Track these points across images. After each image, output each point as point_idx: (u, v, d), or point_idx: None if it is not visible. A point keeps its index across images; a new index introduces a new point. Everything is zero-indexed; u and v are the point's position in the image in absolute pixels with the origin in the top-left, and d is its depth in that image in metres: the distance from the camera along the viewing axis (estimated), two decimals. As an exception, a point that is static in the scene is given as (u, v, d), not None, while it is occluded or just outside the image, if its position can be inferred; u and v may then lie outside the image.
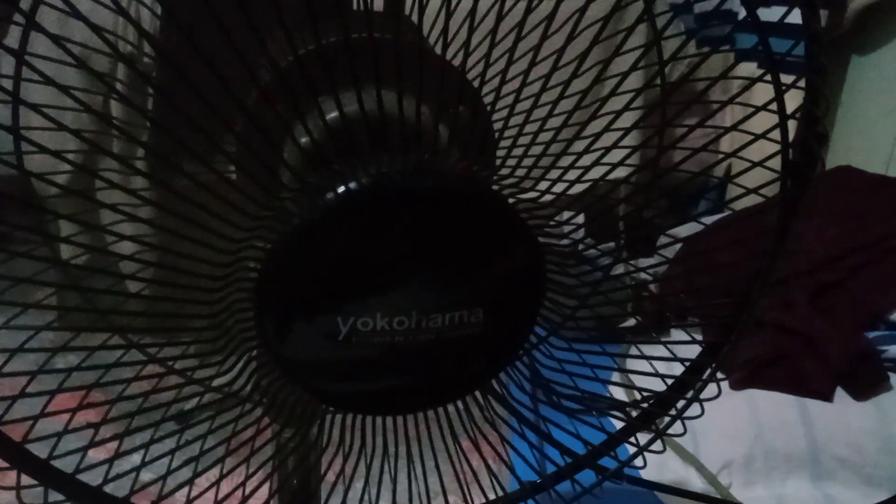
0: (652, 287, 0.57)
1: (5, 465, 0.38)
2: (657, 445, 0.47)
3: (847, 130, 1.53)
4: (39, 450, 0.39)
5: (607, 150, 0.40)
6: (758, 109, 0.41)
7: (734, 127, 0.42)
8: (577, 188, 0.41)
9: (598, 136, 0.40)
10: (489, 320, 0.37)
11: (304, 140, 0.35)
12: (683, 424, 0.46)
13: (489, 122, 0.39)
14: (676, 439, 0.95)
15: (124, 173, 0.39)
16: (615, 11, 0.37)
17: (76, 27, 0.38)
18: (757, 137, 0.42)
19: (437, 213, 0.35)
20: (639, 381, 0.50)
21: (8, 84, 0.38)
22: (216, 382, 0.40)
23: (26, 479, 0.39)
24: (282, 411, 0.41)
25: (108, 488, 0.41)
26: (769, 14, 0.41)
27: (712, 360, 0.45)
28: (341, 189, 0.33)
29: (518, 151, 0.39)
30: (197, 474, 0.42)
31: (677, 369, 0.49)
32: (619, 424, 0.50)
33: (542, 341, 0.44)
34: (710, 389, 0.46)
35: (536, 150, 0.40)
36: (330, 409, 0.41)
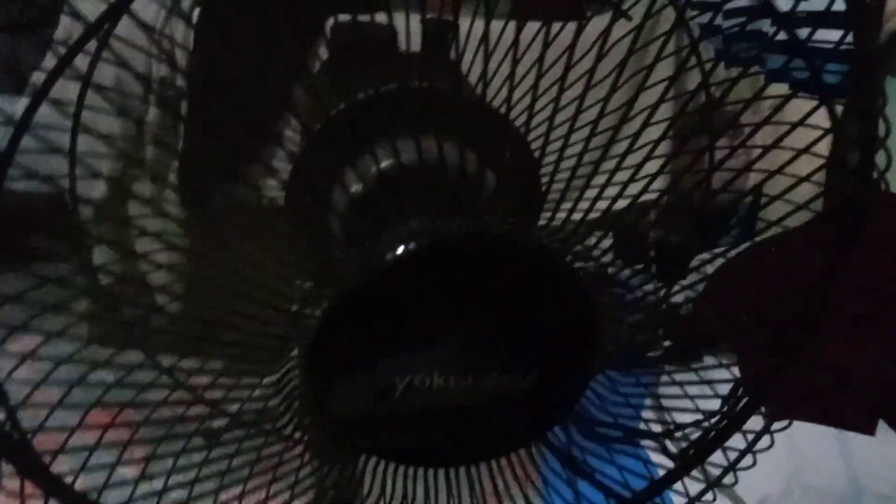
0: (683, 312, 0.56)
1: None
2: (708, 495, 0.46)
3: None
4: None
5: (652, 177, 0.40)
6: (820, 137, 0.39)
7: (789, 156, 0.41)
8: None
9: (638, 166, 0.39)
10: (544, 377, 0.37)
11: (354, 188, 0.35)
12: (735, 475, 0.45)
13: (537, 170, 0.39)
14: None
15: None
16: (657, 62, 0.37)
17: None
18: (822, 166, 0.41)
19: (491, 272, 0.36)
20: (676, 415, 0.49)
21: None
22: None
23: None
24: (325, 454, 0.40)
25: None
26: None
27: (762, 401, 0.44)
28: (400, 250, 0.33)
29: (566, 204, 0.39)
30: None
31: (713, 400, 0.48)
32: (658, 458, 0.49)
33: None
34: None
35: (583, 200, 0.39)
36: (376, 460, 0.41)
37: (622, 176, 0.40)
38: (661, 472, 0.48)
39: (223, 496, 0.42)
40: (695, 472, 0.48)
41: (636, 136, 0.37)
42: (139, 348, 0.43)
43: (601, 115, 0.36)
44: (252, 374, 0.39)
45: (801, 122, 0.39)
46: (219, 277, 0.34)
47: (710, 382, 0.49)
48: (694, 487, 0.48)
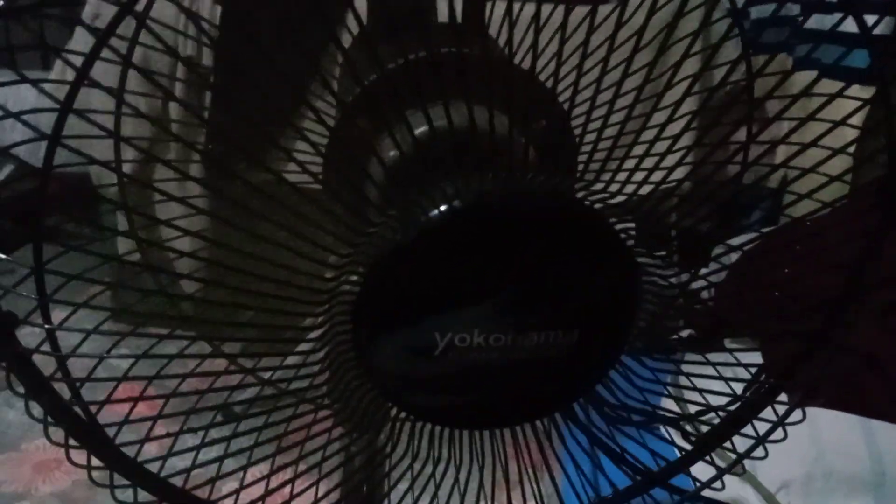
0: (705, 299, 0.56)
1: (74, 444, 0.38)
2: (738, 468, 0.46)
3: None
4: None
5: (689, 148, 0.40)
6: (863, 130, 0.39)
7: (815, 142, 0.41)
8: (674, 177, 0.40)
9: (676, 137, 0.39)
10: (585, 336, 0.37)
11: (391, 154, 0.35)
12: (765, 448, 0.45)
13: (569, 129, 0.39)
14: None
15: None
16: (702, 28, 0.36)
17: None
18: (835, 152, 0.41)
19: (533, 230, 0.35)
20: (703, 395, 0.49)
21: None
22: (294, 385, 0.40)
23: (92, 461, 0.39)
24: (353, 417, 0.41)
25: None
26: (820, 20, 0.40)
27: (792, 381, 0.44)
28: (442, 208, 0.33)
29: (599, 156, 0.38)
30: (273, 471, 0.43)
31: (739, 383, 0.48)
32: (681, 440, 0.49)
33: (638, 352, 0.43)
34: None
35: (617, 154, 0.39)
36: (407, 419, 0.42)
37: (660, 147, 0.40)
38: (682, 453, 0.48)
39: (251, 472, 0.43)
40: (711, 458, 0.48)
41: (677, 104, 0.37)
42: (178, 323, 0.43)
43: (646, 80, 0.36)
44: (288, 341, 0.40)
45: (836, 96, 0.39)
46: (254, 246, 0.34)
47: (735, 365, 0.49)
48: (709, 471, 0.48)
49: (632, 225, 0.39)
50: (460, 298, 0.35)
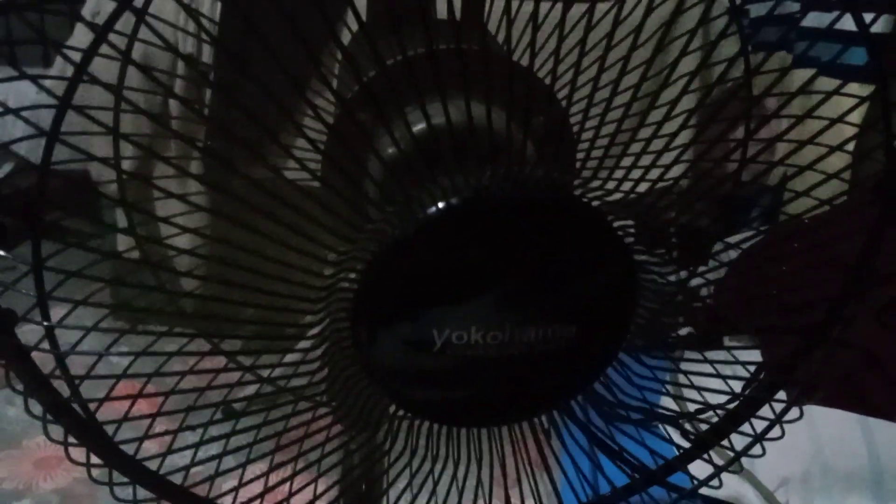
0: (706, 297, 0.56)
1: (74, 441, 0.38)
2: (735, 465, 0.46)
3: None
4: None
5: (687, 145, 0.40)
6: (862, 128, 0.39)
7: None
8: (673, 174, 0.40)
9: (674, 135, 0.39)
10: (581, 333, 0.37)
11: (390, 151, 0.35)
12: (762, 446, 0.45)
13: (567, 125, 0.39)
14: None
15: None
16: (700, 24, 0.36)
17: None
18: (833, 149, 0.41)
19: (532, 226, 0.35)
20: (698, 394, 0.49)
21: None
22: (293, 383, 0.40)
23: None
24: (352, 415, 0.41)
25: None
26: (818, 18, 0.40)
27: (792, 378, 0.44)
28: (441, 204, 0.33)
29: (597, 153, 0.38)
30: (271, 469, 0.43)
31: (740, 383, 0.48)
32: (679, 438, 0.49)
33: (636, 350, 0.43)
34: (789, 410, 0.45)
35: (615, 151, 0.39)
36: (405, 416, 0.42)
37: (657, 144, 0.40)
38: (681, 451, 0.48)
39: (251, 469, 0.43)
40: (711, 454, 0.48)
41: (674, 102, 0.37)
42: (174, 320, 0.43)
43: (643, 77, 0.36)
44: (285, 339, 0.40)
45: (834, 93, 0.39)
46: (253, 241, 0.34)
47: (733, 363, 0.49)
48: (709, 468, 0.48)
49: (630, 221, 0.39)
50: (458, 295, 0.35)
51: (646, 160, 0.40)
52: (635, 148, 0.40)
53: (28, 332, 0.36)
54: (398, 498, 0.46)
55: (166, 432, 0.41)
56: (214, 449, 0.43)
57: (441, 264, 0.35)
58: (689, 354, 0.50)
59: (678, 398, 0.52)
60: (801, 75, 0.44)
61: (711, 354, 0.49)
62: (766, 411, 0.47)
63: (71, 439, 0.38)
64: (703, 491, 0.62)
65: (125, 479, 0.40)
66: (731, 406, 0.47)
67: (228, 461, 0.43)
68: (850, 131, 0.43)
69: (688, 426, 0.50)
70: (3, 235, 0.34)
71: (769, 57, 0.41)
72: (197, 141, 0.48)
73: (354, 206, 0.35)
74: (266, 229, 0.33)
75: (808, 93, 0.41)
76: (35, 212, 0.32)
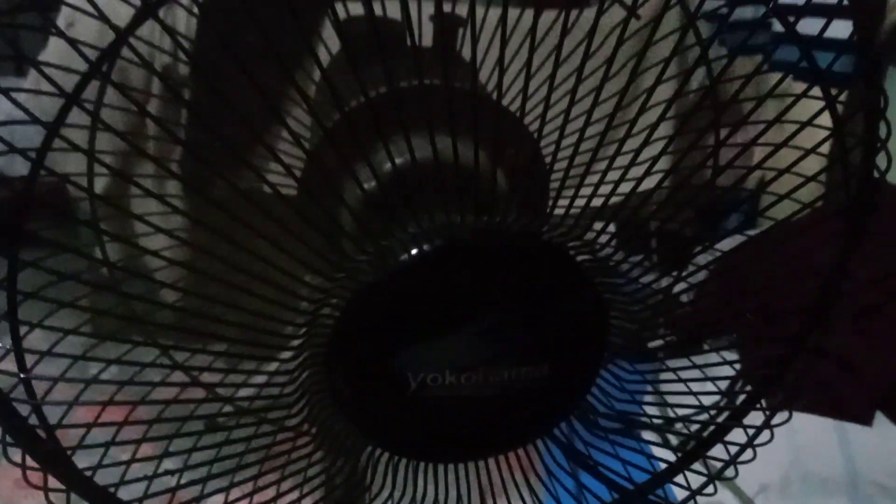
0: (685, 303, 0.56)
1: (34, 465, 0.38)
2: (709, 488, 0.46)
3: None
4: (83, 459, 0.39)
5: (654, 159, 0.39)
6: (830, 134, 0.39)
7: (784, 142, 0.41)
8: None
9: (637, 151, 0.39)
10: (554, 370, 0.38)
11: (370, 185, 0.35)
12: (736, 468, 0.45)
13: (543, 165, 0.39)
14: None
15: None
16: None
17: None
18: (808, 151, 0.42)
19: (501, 269, 0.36)
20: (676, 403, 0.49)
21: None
22: (273, 415, 0.40)
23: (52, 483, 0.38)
24: (334, 446, 0.41)
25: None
26: (809, 25, 0.40)
27: (763, 394, 0.44)
28: (414, 251, 0.34)
29: (568, 193, 0.39)
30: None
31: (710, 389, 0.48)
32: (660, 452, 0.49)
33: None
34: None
35: (586, 188, 0.39)
36: (383, 454, 0.42)
37: (624, 161, 0.39)
38: (663, 466, 0.48)
39: (234, 493, 0.42)
40: (696, 466, 0.48)
41: (635, 118, 0.37)
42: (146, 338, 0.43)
43: (595, 102, 0.36)
44: (261, 364, 0.39)
45: (803, 96, 0.39)
46: (225, 271, 0.34)
47: (712, 378, 0.49)
48: (695, 481, 0.48)
49: (601, 256, 0.40)
50: (431, 338, 0.36)
51: (616, 174, 0.40)
52: (604, 165, 0.39)
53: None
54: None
55: (133, 460, 0.40)
56: (194, 474, 0.42)
57: (414, 308, 0.36)
58: (669, 363, 0.50)
59: (662, 405, 0.52)
60: (774, 79, 0.44)
61: (683, 369, 0.49)
62: (747, 420, 0.47)
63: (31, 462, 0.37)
64: (683, 496, 0.62)
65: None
66: (715, 422, 0.47)
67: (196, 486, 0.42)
68: (823, 134, 0.43)
69: (672, 438, 0.50)
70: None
71: (731, 63, 0.41)
72: (171, 161, 0.47)
73: (331, 244, 0.35)
74: (241, 258, 0.33)
75: (776, 97, 0.41)
76: (15, 229, 0.31)
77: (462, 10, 0.45)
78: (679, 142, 0.41)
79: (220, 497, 0.42)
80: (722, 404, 0.48)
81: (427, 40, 0.42)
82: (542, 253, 0.37)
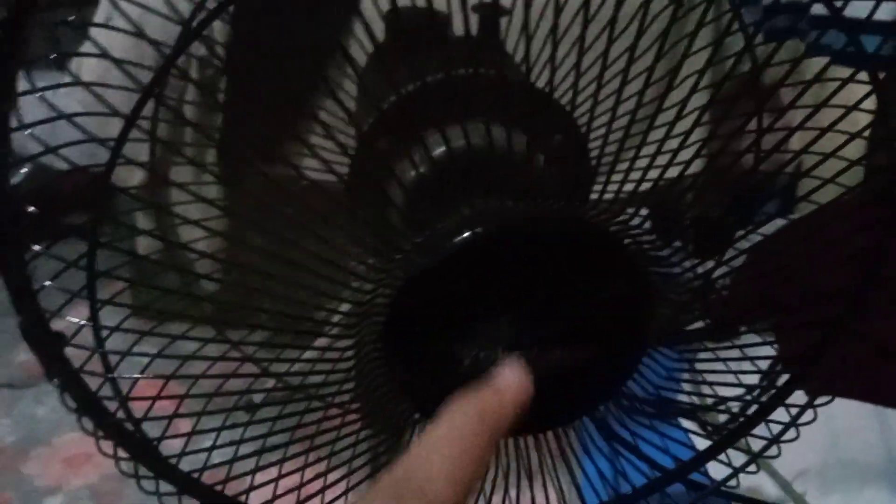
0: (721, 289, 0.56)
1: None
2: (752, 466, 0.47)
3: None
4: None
5: (701, 144, 0.40)
6: (874, 119, 0.39)
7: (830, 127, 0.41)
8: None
9: (684, 139, 0.39)
10: (602, 350, 0.39)
11: (411, 174, 0.36)
12: (778, 447, 0.45)
13: (585, 147, 0.40)
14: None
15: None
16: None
17: (154, 23, 0.38)
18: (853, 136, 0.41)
19: (549, 252, 0.37)
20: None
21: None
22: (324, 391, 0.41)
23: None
24: (383, 424, 0.42)
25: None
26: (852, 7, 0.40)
27: (804, 376, 0.44)
28: (466, 234, 0.35)
29: (616, 177, 0.40)
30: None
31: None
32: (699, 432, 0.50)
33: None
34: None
35: (631, 171, 0.39)
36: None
37: (670, 145, 0.40)
38: (704, 446, 0.49)
39: (286, 467, 0.43)
40: (738, 445, 0.48)
41: (682, 103, 0.37)
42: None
43: (646, 85, 0.36)
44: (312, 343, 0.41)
45: (849, 80, 0.39)
46: (280, 254, 0.35)
47: (751, 358, 0.49)
48: (736, 461, 0.48)
49: (645, 240, 0.40)
50: (482, 317, 0.37)
51: (661, 159, 0.40)
52: (650, 150, 0.40)
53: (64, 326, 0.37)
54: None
55: (193, 432, 0.42)
56: (245, 448, 0.44)
57: (465, 290, 0.37)
58: (704, 352, 0.51)
59: (697, 395, 0.52)
60: (816, 63, 0.44)
61: (722, 352, 0.49)
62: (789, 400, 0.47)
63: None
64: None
65: (150, 474, 0.41)
66: (758, 401, 0.48)
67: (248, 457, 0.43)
68: (866, 118, 0.43)
69: (708, 423, 0.50)
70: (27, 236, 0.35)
71: (778, 50, 0.41)
72: (209, 165, 0.48)
73: (382, 236, 0.37)
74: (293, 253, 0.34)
75: (821, 81, 0.41)
76: (96, 220, 0.32)
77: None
78: (721, 127, 0.41)
79: (272, 471, 0.44)
80: (763, 384, 0.48)
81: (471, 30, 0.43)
82: (590, 236, 0.38)
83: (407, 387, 0.39)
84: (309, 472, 0.44)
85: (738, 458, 0.49)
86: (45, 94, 0.34)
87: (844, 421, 0.95)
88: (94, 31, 0.36)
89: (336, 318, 0.40)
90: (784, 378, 0.48)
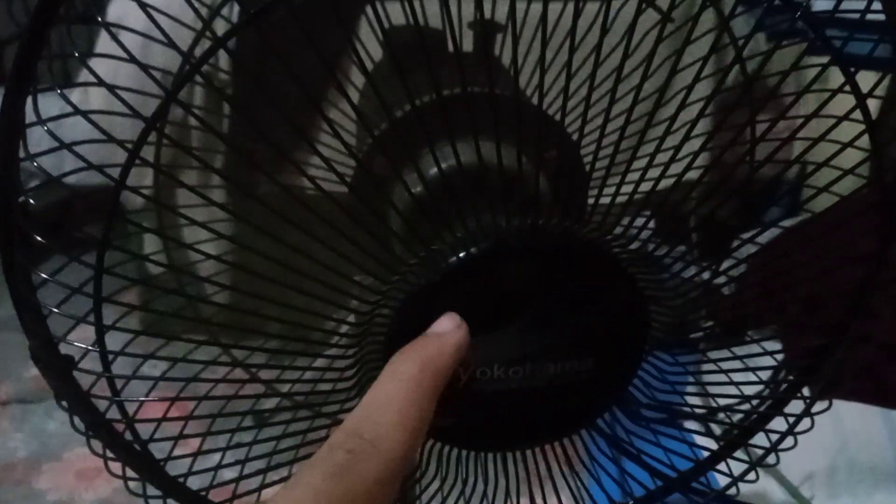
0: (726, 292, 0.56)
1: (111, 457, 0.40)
2: (751, 475, 0.47)
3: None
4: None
5: (694, 155, 0.40)
6: (864, 129, 0.40)
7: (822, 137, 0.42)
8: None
9: (678, 147, 0.40)
10: (598, 363, 0.40)
11: (417, 189, 0.37)
12: (777, 455, 0.46)
13: (581, 165, 0.40)
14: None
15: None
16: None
17: (157, 50, 0.39)
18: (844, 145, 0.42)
19: (545, 267, 0.38)
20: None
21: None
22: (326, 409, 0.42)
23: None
24: None
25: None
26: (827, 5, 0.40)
27: (806, 382, 0.45)
28: (462, 254, 0.36)
29: (608, 192, 0.40)
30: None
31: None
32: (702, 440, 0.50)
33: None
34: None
35: (627, 184, 0.40)
36: (435, 444, 0.44)
37: (663, 158, 0.40)
38: (706, 454, 0.49)
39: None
40: (738, 453, 0.49)
41: (674, 116, 0.38)
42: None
43: (635, 100, 0.36)
44: (314, 361, 0.41)
45: (840, 90, 0.39)
46: (280, 271, 0.35)
47: (753, 369, 0.49)
48: (736, 470, 0.49)
49: (641, 252, 0.41)
50: (479, 334, 0.37)
51: (652, 172, 0.40)
52: (640, 163, 0.40)
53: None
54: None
55: (199, 452, 0.42)
56: (256, 466, 0.44)
57: (464, 307, 0.37)
58: (710, 354, 0.51)
59: (702, 395, 0.52)
60: (816, 62, 0.44)
61: (725, 358, 0.50)
62: (789, 409, 0.47)
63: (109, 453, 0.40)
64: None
65: (158, 493, 0.42)
66: (761, 406, 0.48)
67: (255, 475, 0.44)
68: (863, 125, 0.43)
69: (714, 428, 0.51)
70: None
71: (768, 59, 0.41)
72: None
73: (386, 250, 0.37)
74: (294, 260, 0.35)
75: (814, 91, 0.41)
76: (107, 235, 0.33)
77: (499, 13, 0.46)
78: (716, 137, 0.41)
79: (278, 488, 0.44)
80: (764, 394, 0.48)
81: (466, 47, 0.43)
82: (584, 251, 0.39)
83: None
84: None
85: (737, 467, 0.49)
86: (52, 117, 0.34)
87: (852, 424, 0.95)
88: (94, 61, 0.36)
89: (341, 331, 0.41)
90: (783, 388, 0.48)
